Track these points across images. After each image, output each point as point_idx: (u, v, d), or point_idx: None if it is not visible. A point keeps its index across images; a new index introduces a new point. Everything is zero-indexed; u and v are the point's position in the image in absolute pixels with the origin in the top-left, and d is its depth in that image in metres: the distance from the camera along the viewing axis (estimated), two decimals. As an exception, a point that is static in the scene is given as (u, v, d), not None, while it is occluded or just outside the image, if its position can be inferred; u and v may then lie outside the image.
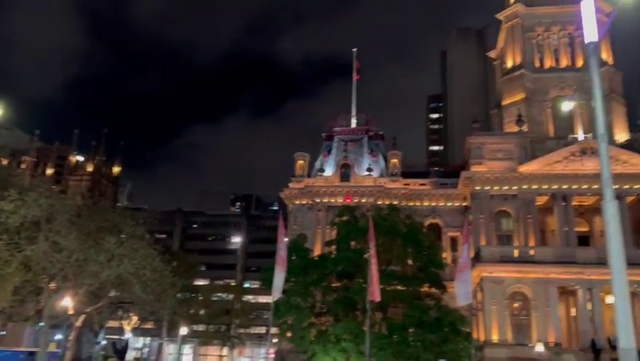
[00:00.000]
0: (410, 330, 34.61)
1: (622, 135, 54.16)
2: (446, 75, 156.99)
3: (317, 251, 49.43)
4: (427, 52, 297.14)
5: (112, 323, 55.94)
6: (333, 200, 56.65)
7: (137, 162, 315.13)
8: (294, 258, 38.32)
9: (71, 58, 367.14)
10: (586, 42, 12.05)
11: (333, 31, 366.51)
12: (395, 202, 52.64)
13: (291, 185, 58.95)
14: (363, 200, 55.08)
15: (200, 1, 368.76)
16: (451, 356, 33.66)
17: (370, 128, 62.52)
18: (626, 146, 50.60)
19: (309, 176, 59.66)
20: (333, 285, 39.77)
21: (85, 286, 30.30)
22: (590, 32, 11.75)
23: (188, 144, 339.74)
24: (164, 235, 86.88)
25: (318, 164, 60.50)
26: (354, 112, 63.81)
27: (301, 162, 60.00)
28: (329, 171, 58.99)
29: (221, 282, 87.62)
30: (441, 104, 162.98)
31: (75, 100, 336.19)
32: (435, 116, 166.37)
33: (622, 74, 57.82)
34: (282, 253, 27.62)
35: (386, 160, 59.11)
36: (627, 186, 47.33)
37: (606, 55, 57.39)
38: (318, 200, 56.93)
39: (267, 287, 33.29)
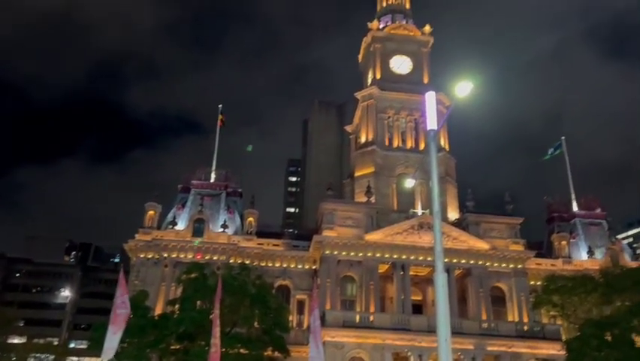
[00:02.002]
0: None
1: (453, 214, 60.77)
2: (307, 142, 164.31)
3: (158, 310, 46.34)
4: (288, 118, 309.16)
5: None
6: (182, 255, 54.25)
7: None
8: (131, 316, 35.38)
9: None
10: (427, 129, 13.57)
11: (188, 88, 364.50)
12: (247, 261, 52.07)
13: (137, 236, 55.35)
14: (215, 257, 53.64)
15: (50, 37, 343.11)
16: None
17: (229, 184, 62.18)
18: (457, 224, 56.74)
19: (158, 228, 56.75)
20: (173, 347, 37.33)
21: None
22: (431, 121, 13.28)
23: (14, 184, 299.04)
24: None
25: (170, 216, 57.98)
26: (214, 167, 63.22)
27: (152, 212, 56.97)
28: (181, 225, 56.79)
29: (42, 340, 77.10)
30: (300, 169, 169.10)
31: None
32: (293, 179, 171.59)
33: (456, 160, 65.82)
34: (118, 310, 25.31)
35: (242, 218, 58.81)
36: (455, 260, 52.61)
37: (444, 142, 65.13)
38: (166, 255, 54.08)
39: (96, 348, 30.06)
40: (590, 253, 59.33)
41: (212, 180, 62.17)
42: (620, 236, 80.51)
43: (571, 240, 61.12)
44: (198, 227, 56.32)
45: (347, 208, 56.04)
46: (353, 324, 46.22)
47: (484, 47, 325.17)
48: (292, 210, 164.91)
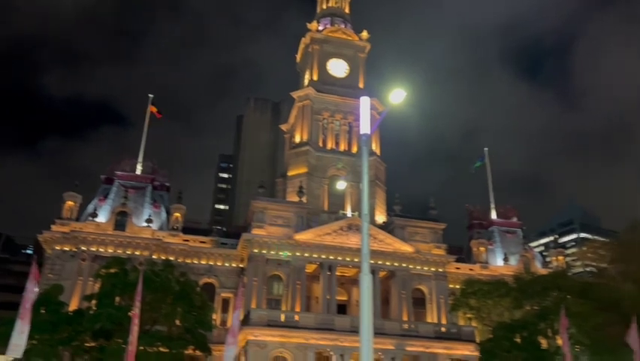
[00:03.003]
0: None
1: (381, 217, 62.30)
2: (240, 139, 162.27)
3: (74, 305, 43.95)
4: (220, 114, 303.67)
5: None
6: (102, 249, 51.83)
7: None
8: (43, 312, 33.40)
9: None
10: (361, 133, 13.79)
11: (110, 77, 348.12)
12: (172, 258, 50.75)
13: (53, 227, 52.25)
14: (138, 252, 51.68)
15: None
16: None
17: (156, 177, 60.11)
18: (383, 227, 58.19)
19: (77, 220, 53.88)
20: (88, 345, 35.57)
21: None
22: (365, 125, 13.51)
23: None
24: None
25: (90, 208, 55.20)
26: (140, 158, 60.90)
27: (70, 203, 53.94)
28: (102, 218, 54.23)
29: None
30: (231, 166, 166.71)
31: None
32: (225, 175, 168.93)
33: (385, 165, 67.52)
34: (28, 304, 23.78)
35: (169, 213, 57.06)
36: (381, 262, 53.92)
37: (375, 146, 66.65)
38: (84, 248, 51.44)
39: (2, 344, 28.01)
40: (506, 259, 62.89)
41: (138, 173, 59.90)
42: (532, 244, 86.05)
43: (489, 246, 64.46)
44: (121, 220, 54.03)
45: (278, 207, 55.90)
46: (278, 323, 46.12)
47: (411, 57, 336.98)
48: (222, 207, 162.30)
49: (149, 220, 54.60)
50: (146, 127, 63.28)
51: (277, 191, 67.94)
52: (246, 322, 45.47)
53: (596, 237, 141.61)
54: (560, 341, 35.29)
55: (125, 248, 51.97)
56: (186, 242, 55.11)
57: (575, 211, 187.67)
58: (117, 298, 36.98)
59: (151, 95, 64.80)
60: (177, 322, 37.75)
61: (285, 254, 50.47)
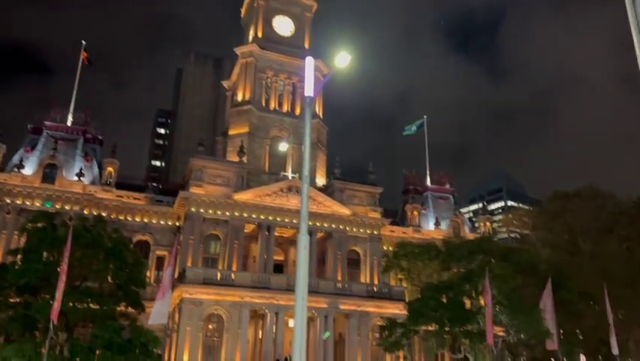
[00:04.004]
0: (97, 352, 32.12)
1: (321, 180, 62.91)
2: (179, 94, 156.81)
3: (-3, 260, 41.92)
4: (158, 67, 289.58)
5: None
6: (29, 202, 49.37)
7: None
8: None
9: None
10: (305, 94, 13.72)
11: (31, 23, 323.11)
12: (104, 214, 49.15)
13: (-26, 178, 49.04)
14: (68, 207, 49.65)
15: None
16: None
17: (88, 129, 57.36)
18: (323, 190, 58.89)
19: (1, 171, 50.77)
20: (12, 300, 34.26)
21: None
22: (308, 87, 13.43)
23: None
24: None
25: (16, 159, 52.09)
26: (72, 109, 57.74)
27: (-6, 152, 50.68)
28: (29, 170, 51.37)
29: None
30: (169, 121, 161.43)
31: None
32: (162, 131, 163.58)
33: (327, 129, 67.73)
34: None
35: (101, 168, 54.84)
36: (319, 224, 54.83)
37: (318, 109, 66.52)
38: (9, 200, 48.78)
39: None
40: (437, 224, 65.69)
41: (68, 124, 56.83)
42: (463, 210, 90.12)
43: (422, 211, 66.96)
44: (49, 173, 51.46)
45: (218, 166, 55.09)
46: (214, 282, 46.20)
47: (352, 25, 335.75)
48: (158, 163, 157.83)
49: (80, 174, 52.30)
50: (78, 75, 59.88)
51: (217, 150, 66.75)
52: (181, 280, 45.22)
53: (521, 205, 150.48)
54: (482, 302, 37.65)
55: (54, 202, 49.76)
56: (120, 198, 53.45)
57: (503, 180, 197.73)
58: (45, 254, 35.60)
59: (83, 42, 61.13)
60: (109, 279, 36.99)
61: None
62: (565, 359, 38.60)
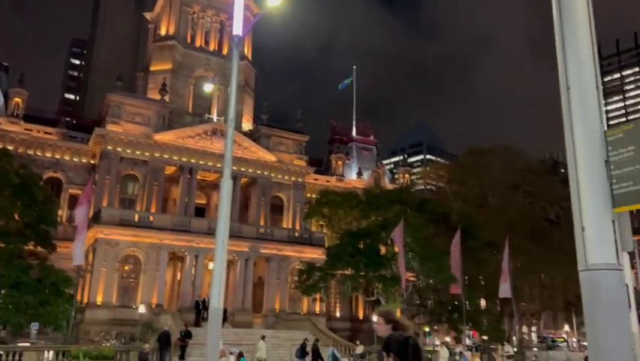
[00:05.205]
0: (3, 291, 30.77)
1: (247, 125, 61.82)
2: (97, 23, 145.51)
3: None
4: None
5: None
6: None
7: None
8: None
9: None
10: (233, 34, 13.19)
11: None
12: (10, 147, 45.64)
13: None
14: (-34, 138, 45.52)
15: None
16: (47, 319, 31.70)
17: (-9, 55, 52.16)
18: (249, 135, 58.05)
19: None
20: None
21: None
22: (237, 26, 12.90)
23: None
24: None
25: None
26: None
27: None
28: None
29: None
30: (85, 52, 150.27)
31: None
32: (77, 62, 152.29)
33: (256, 72, 66.00)
34: None
35: (7, 98, 50.40)
36: (243, 169, 54.33)
37: (247, 50, 64.37)
38: None
39: None
40: (359, 173, 67.41)
41: (-32, 46, 51.31)
42: (385, 162, 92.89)
43: (346, 161, 68.28)
44: (-55, 100, 46.65)
45: (137, 103, 52.37)
46: (131, 223, 45.02)
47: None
48: (72, 97, 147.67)
49: (-19, 103, 47.89)
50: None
51: (137, 86, 63.18)
52: (96, 220, 43.59)
53: (439, 159, 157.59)
54: (396, 249, 39.68)
55: (-49, 132, 45.47)
56: (28, 131, 49.74)
57: (424, 134, 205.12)
58: (-60, 188, 32.83)
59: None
60: (16, 216, 34.96)
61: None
62: (467, 302, 41.91)
